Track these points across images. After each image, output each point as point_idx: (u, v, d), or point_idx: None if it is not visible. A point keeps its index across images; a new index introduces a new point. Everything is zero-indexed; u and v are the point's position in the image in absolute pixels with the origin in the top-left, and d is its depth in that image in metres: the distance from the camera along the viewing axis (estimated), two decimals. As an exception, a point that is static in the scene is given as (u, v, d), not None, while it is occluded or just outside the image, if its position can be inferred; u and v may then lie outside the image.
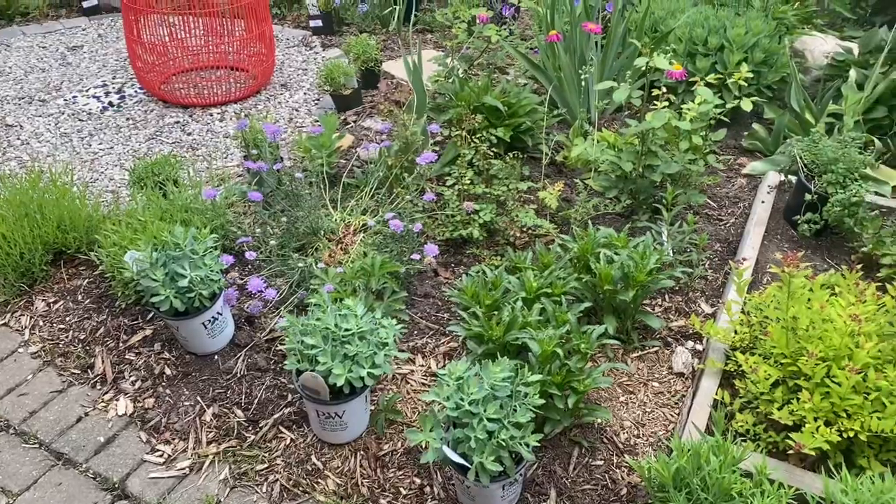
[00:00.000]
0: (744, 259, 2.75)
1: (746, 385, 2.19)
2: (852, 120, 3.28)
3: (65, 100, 4.24)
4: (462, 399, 1.86)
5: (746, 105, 2.84)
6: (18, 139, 3.85)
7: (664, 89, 3.08)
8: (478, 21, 3.64)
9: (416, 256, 2.63)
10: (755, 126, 3.75)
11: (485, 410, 1.83)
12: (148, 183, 3.00)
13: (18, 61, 4.70)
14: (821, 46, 4.24)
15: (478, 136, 3.25)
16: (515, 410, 1.87)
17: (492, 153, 3.11)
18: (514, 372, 1.93)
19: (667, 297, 2.82)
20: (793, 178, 3.23)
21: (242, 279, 2.51)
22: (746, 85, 3.66)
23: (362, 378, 2.04)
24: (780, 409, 2.08)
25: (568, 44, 3.81)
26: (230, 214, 2.88)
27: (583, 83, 3.46)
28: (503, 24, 4.74)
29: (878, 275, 2.77)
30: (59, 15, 5.48)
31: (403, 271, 2.66)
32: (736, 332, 2.38)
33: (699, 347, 2.58)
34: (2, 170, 3.55)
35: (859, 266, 2.85)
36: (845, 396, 1.99)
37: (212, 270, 2.32)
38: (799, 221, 3.00)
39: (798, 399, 2.06)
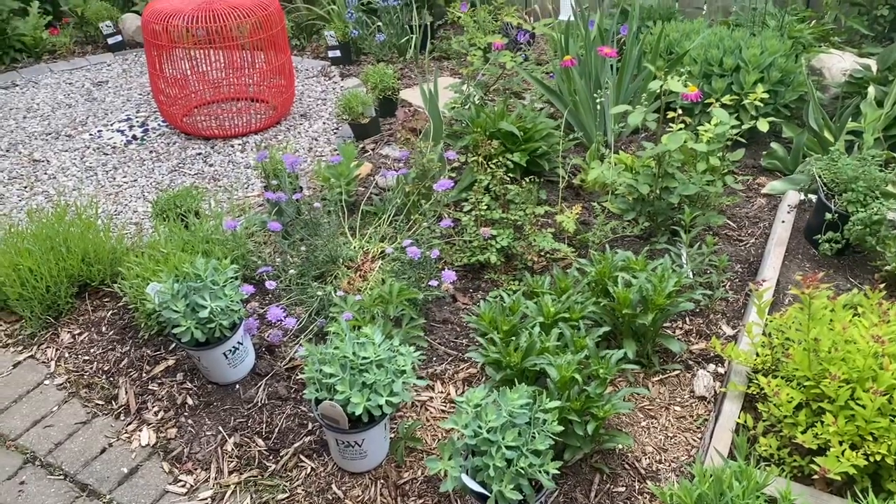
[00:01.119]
0: (764, 280, 2.72)
1: (769, 408, 2.16)
2: (872, 137, 3.26)
3: (90, 134, 4.33)
4: (480, 426, 1.85)
5: (763, 125, 2.83)
6: (45, 174, 3.93)
7: (680, 111, 3.08)
8: (493, 48, 3.67)
9: (433, 283, 2.64)
10: (773, 145, 3.73)
11: (503, 438, 1.83)
12: (170, 215, 3.05)
13: (46, 98, 4.82)
14: (838, 64, 4.22)
15: (494, 161, 3.27)
16: (534, 437, 1.87)
17: (508, 178, 3.13)
18: (532, 398, 1.93)
19: (687, 319, 2.80)
20: (813, 197, 3.21)
21: (262, 308, 2.54)
22: (763, 105, 3.65)
23: (381, 406, 2.04)
24: (803, 432, 2.05)
25: (583, 68, 3.83)
26: (251, 244, 2.91)
27: (598, 107, 3.46)
28: (518, 50, 4.78)
29: (903, 294, 2.73)
30: (85, 52, 5.62)
31: (421, 298, 2.67)
32: (758, 354, 2.36)
33: (721, 370, 2.56)
34: (29, 204, 3.63)
35: (882, 285, 2.82)
36: (871, 419, 1.96)
37: (232, 300, 2.35)
38: (820, 241, 2.97)
39: (822, 422, 2.03)
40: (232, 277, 2.43)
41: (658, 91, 2.83)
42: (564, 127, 3.71)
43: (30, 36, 5.34)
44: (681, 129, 2.93)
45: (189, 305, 2.31)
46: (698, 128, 2.94)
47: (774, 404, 2.13)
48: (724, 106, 3.35)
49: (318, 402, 2.10)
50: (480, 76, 3.97)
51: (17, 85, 5.02)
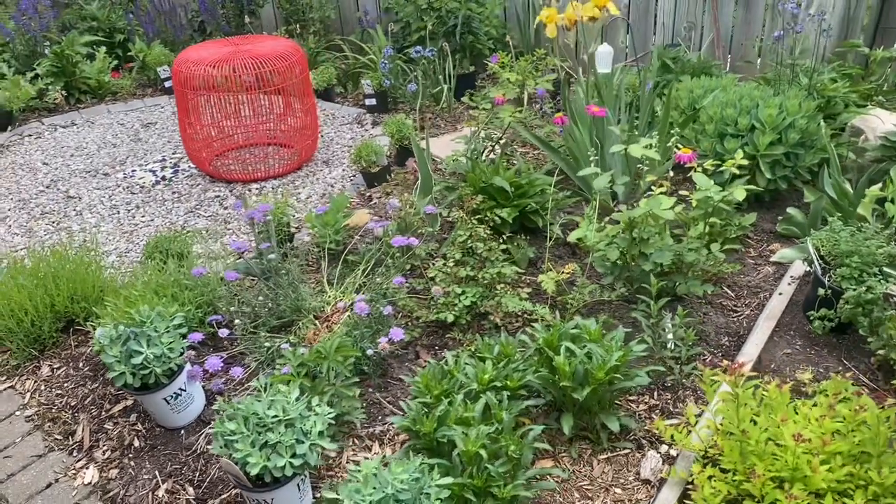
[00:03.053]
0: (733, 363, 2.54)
1: (698, 501, 2.00)
2: (896, 207, 3.02)
3: (125, 174, 4.57)
4: (361, 499, 1.80)
5: (739, 193, 2.67)
6: (75, 210, 4.17)
7: (670, 173, 2.96)
8: (496, 103, 3.65)
9: (383, 340, 2.60)
10: (791, 210, 3.51)
11: (379, 513, 1.76)
12: (157, 257, 3.15)
13: (96, 137, 5.13)
14: (882, 126, 3.95)
15: (478, 217, 3.23)
16: (416, 515, 1.79)
17: (487, 234, 3.07)
18: (421, 473, 1.85)
19: (655, 394, 2.64)
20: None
21: (201, 358, 2.57)
22: (778, 165, 3.46)
23: (282, 468, 2.02)
24: (724, 533, 1.88)
25: (594, 124, 3.74)
26: (221, 290, 2.96)
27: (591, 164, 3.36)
28: (539, 105, 4.73)
29: None
30: (144, 94, 5.96)
31: (373, 353, 2.63)
32: (702, 440, 2.19)
33: (674, 453, 2.39)
34: (52, 239, 3.85)
35: (877, 369, 2.59)
36: (793, 525, 1.78)
37: (169, 348, 2.39)
38: (812, 318, 2.76)
39: (747, 523, 1.86)
40: (178, 325, 2.47)
41: (634, 155, 2.72)
42: (564, 183, 3.63)
43: (94, 79, 5.72)
44: (662, 192, 2.81)
45: (126, 351, 2.36)
46: (680, 192, 2.80)
47: (702, 498, 1.97)
48: (738, 168, 3.18)
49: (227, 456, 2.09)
50: (492, 129, 3.95)
51: (75, 124, 5.37)
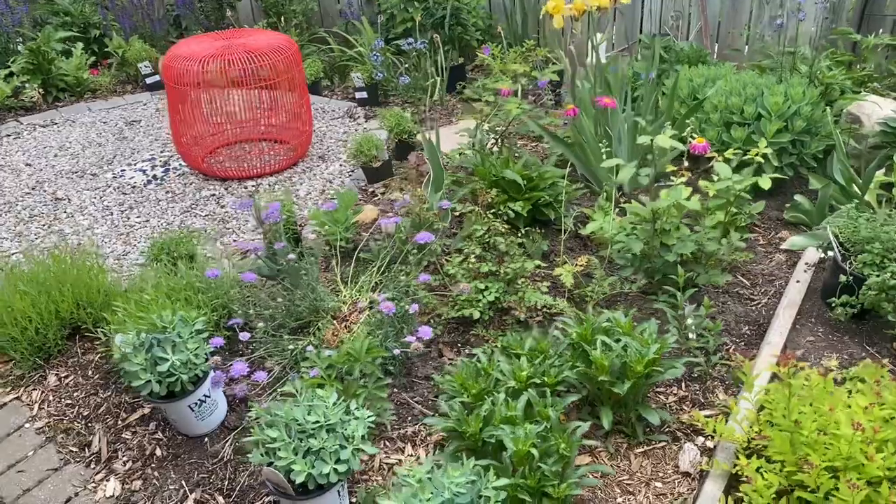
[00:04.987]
0: (758, 353, 2.54)
1: (749, 493, 1.99)
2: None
3: (114, 174, 4.43)
4: (418, 504, 1.75)
5: (765, 183, 2.67)
6: (65, 212, 4.03)
7: (686, 164, 2.94)
8: (501, 94, 3.60)
9: (411, 338, 2.55)
10: (798, 198, 3.53)
11: (439, 519, 1.72)
12: (163, 259, 3.06)
13: (79, 136, 4.97)
14: (878, 111, 3.99)
15: (493, 211, 3.19)
16: (475, 518, 1.75)
17: (504, 228, 3.03)
18: (478, 475, 1.81)
19: (683, 385, 2.63)
20: (832, 255, 3.01)
21: (227, 363, 2.50)
22: (784, 153, 3.47)
23: (327, 475, 1.96)
24: (780, 525, 1.87)
25: (599, 115, 3.72)
26: (235, 292, 2.88)
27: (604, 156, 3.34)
28: (539, 96, 4.70)
29: (920, 367, 2.51)
30: (124, 91, 5.80)
31: (399, 353, 2.58)
32: (745, 432, 2.19)
33: (710, 444, 2.38)
34: (44, 242, 3.71)
35: (901, 355, 2.61)
36: (853, 514, 1.78)
37: (194, 354, 2.31)
38: (833, 305, 2.77)
39: (803, 514, 1.85)
40: (199, 330, 2.39)
41: (647, 144, 2.70)
42: (576, 175, 3.60)
43: (72, 76, 5.54)
44: (682, 182, 2.80)
45: (150, 359, 2.28)
46: (700, 182, 2.79)
47: (753, 489, 1.96)
48: (743, 156, 3.18)
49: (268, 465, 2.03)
50: (495, 120, 3.90)
51: (55, 123, 5.20)
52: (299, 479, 1.92)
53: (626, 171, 2.67)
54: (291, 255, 2.68)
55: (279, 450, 1.96)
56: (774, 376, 2.49)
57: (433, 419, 2.24)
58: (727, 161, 2.77)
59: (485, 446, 2.10)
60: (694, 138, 2.97)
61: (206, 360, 2.37)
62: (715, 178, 2.86)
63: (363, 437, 2.04)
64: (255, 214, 2.97)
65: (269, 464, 2.00)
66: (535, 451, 1.94)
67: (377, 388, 2.38)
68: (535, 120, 3.66)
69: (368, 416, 2.09)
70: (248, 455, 2.39)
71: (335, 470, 1.97)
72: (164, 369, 2.25)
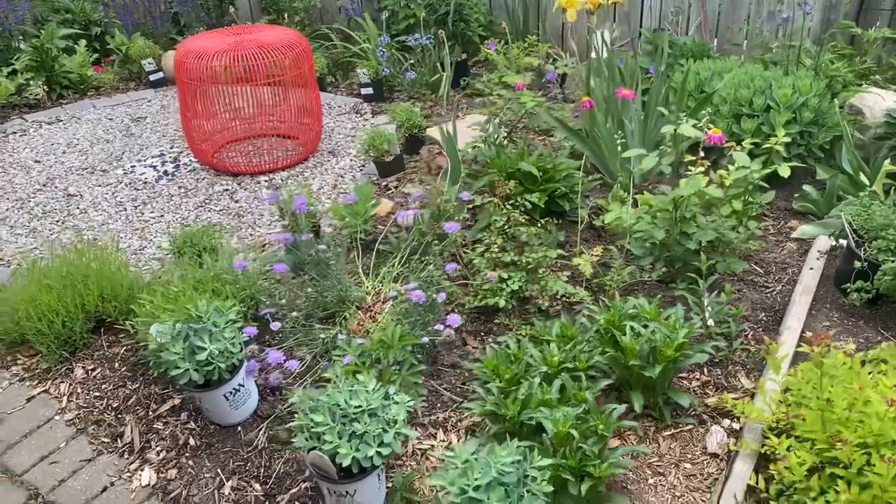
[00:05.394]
0: (786, 329, 2.60)
1: (781, 471, 2.05)
2: (909, 181, 3.12)
3: (124, 170, 4.44)
4: (467, 484, 1.79)
5: (784, 171, 2.73)
6: (78, 208, 4.03)
7: (701, 154, 3.00)
8: (516, 88, 3.65)
9: (439, 327, 2.59)
10: (806, 188, 3.60)
11: (488, 497, 1.76)
12: (186, 252, 3.08)
13: (86, 133, 4.97)
14: (880, 103, 4.07)
15: (511, 202, 3.24)
16: (522, 497, 1.80)
17: (524, 219, 3.08)
18: (522, 456, 1.86)
19: (705, 370, 2.69)
20: (844, 244, 3.08)
21: (262, 351, 2.53)
22: (794, 146, 3.54)
23: (370, 458, 2.00)
24: (814, 500, 1.93)
25: (609, 108, 3.78)
26: (263, 283, 2.91)
27: (619, 147, 3.40)
28: (547, 88, 4.75)
29: (937, 349, 2.57)
30: (127, 88, 5.79)
31: (427, 342, 2.62)
32: (773, 412, 2.24)
33: (736, 426, 2.44)
34: (59, 238, 3.72)
35: (916, 339, 2.68)
36: (887, 488, 1.84)
37: (231, 343, 2.34)
38: (849, 290, 2.84)
39: (836, 489, 1.91)
40: (233, 320, 2.42)
41: (672, 134, 2.75)
42: (589, 167, 3.65)
43: (76, 73, 5.53)
44: (700, 172, 2.85)
45: (188, 348, 2.31)
46: (720, 172, 2.85)
47: (785, 467, 2.02)
48: (756, 146, 3.25)
49: (311, 449, 2.06)
50: (506, 114, 3.95)
51: (60, 120, 5.19)
52: (345, 463, 1.96)
53: (649, 160, 2.72)
54: (322, 246, 2.71)
55: (324, 434, 1.99)
56: (795, 359, 2.56)
57: (471, 403, 2.28)
58: (745, 151, 2.82)
59: (521, 429, 2.14)
60: (710, 129, 3.04)
61: (241, 349, 2.40)
62: (731, 167, 2.92)
63: (403, 420, 2.08)
64: (278, 206, 3.00)
65: (313, 448, 2.03)
66: (574, 432, 1.98)
67: (410, 374, 2.42)
68: (550, 112, 3.71)
69: (408, 401, 2.13)
70: (290, 441, 2.43)
71: (378, 453, 2.01)
72: (203, 358, 2.28)
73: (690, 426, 2.46)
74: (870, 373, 2.24)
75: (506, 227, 3.06)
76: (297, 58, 4.15)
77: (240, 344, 2.40)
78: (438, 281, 2.88)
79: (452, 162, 3.46)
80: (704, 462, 2.34)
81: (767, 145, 3.05)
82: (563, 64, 4.06)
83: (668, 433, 2.44)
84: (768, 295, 3.06)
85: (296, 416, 2.08)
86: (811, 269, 3.08)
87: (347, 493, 2.09)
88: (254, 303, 2.86)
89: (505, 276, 2.85)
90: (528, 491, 1.81)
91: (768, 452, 2.18)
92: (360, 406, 2.04)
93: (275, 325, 2.58)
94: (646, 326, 2.41)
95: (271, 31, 4.34)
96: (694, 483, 2.27)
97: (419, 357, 2.69)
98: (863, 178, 3.42)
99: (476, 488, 1.77)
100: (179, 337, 2.31)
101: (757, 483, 2.13)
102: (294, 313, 2.64)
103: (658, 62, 3.87)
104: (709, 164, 2.88)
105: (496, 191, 3.23)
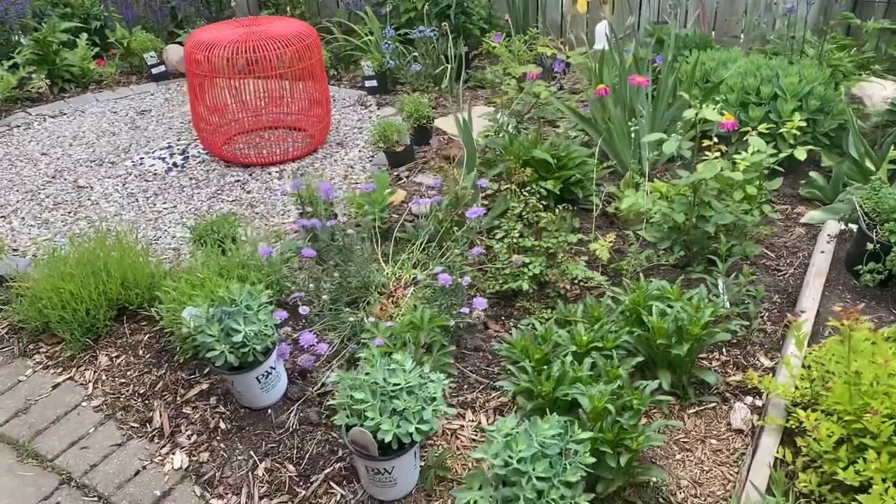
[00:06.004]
0: (801, 312, 2.67)
1: (808, 443, 2.11)
2: (915, 166, 3.19)
3: (132, 161, 4.44)
4: (511, 456, 1.83)
5: (801, 154, 2.80)
6: (89, 200, 4.03)
7: (716, 140, 3.06)
8: (528, 78, 3.69)
9: (465, 310, 2.63)
10: (812, 174, 3.67)
11: (533, 469, 1.80)
12: (208, 240, 3.10)
13: (92, 126, 4.96)
14: (880, 92, 4.16)
15: (527, 189, 3.28)
16: (566, 469, 1.84)
17: (541, 206, 3.12)
18: (563, 429, 1.90)
19: (724, 350, 2.75)
20: (853, 227, 3.15)
21: (295, 333, 2.56)
22: (801, 133, 3.60)
23: (410, 434, 2.03)
24: (845, 469, 1.98)
25: (618, 97, 3.83)
26: (285, 270, 2.94)
27: (632, 135, 3.45)
28: (553, 79, 4.80)
29: (949, 327, 2.64)
30: (129, 81, 5.78)
31: (453, 325, 2.66)
32: (797, 387, 2.30)
33: (758, 403, 2.50)
34: (72, 229, 3.72)
35: (928, 318, 2.74)
36: (915, 456, 1.90)
37: (265, 325, 2.37)
38: (861, 271, 2.91)
39: (864, 459, 1.97)
40: (265, 303, 2.45)
41: (693, 119, 2.81)
42: (599, 155, 3.70)
43: (78, 67, 5.52)
44: (716, 157, 2.91)
45: (223, 330, 2.33)
46: (734, 156, 2.91)
47: (814, 439, 2.08)
48: (761, 135, 3.32)
49: (348, 428, 2.10)
50: (515, 105, 3.99)
51: (64, 114, 5.18)
52: (387, 438, 2.00)
53: (670, 144, 2.78)
54: (350, 231, 2.74)
55: (366, 411, 2.03)
56: (811, 339, 2.62)
57: (503, 382, 2.32)
58: (761, 135, 2.88)
59: (555, 405, 2.19)
60: (723, 115, 3.09)
61: (274, 332, 2.43)
62: (744, 152, 2.98)
63: (441, 398, 2.12)
64: (298, 195, 3.03)
65: (353, 426, 2.07)
66: (611, 407, 2.03)
67: (441, 354, 2.45)
68: (562, 102, 3.76)
69: (443, 380, 2.17)
70: (321, 423, 2.46)
71: (418, 429, 2.05)
72: (238, 340, 2.30)
73: (714, 404, 2.52)
74: (890, 349, 2.30)
75: (524, 213, 3.10)
76: (308, 48, 4.17)
77: (272, 326, 2.43)
78: (460, 266, 2.92)
79: (468, 150, 3.50)
80: (730, 438, 2.39)
81: (783, 130, 3.11)
82: (579, 53, 4.11)
83: (693, 411, 2.50)
84: (781, 278, 3.12)
85: (330, 396, 2.11)
86: (822, 252, 3.14)
87: (385, 470, 2.12)
88: (278, 288, 2.89)
89: (526, 260, 2.90)
90: (569, 463, 1.85)
91: (793, 426, 2.23)
92: (398, 384, 2.07)
93: (303, 310, 2.61)
94: (671, 307, 2.46)
95: (280, 22, 4.36)
96: (721, 458, 2.32)
97: (444, 341, 2.73)
98: (868, 164, 3.50)
99: (520, 460, 1.82)
100: (214, 319, 2.33)
101: (784, 456, 2.18)
102: (325, 296, 2.66)
103: (665, 52, 3.93)
104: (725, 149, 2.93)
105: (512, 178, 3.27)
